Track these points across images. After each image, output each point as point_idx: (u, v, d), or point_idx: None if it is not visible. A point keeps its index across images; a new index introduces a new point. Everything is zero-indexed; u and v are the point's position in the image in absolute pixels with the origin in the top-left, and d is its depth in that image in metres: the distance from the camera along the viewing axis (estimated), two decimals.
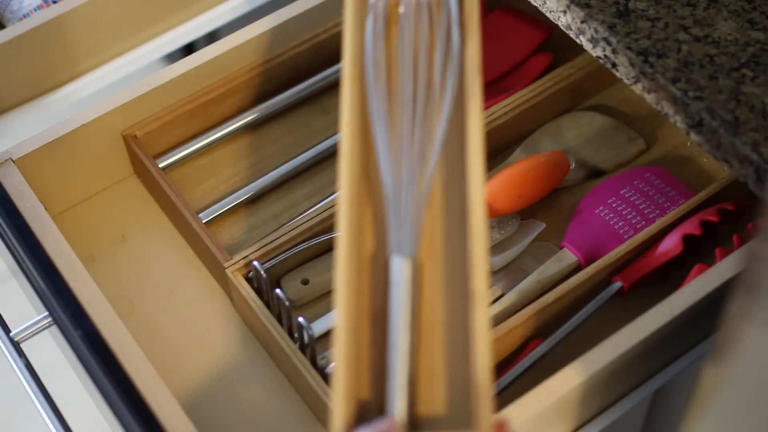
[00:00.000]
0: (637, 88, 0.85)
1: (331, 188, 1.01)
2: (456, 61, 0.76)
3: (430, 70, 0.77)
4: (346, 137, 0.74)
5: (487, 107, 1.03)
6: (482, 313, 0.68)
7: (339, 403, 0.66)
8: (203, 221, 0.99)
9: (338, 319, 0.68)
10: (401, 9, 0.79)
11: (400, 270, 0.69)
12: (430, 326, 0.71)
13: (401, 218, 0.71)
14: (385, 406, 0.67)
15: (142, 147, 1.01)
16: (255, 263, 0.91)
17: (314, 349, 0.88)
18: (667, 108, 0.84)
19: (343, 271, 0.69)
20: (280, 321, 0.90)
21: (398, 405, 0.67)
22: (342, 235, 0.71)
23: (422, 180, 0.73)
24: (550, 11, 0.90)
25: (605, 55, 0.87)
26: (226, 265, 0.92)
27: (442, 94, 0.76)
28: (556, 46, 1.08)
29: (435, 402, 0.69)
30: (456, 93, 0.76)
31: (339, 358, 0.67)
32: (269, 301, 0.91)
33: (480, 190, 0.72)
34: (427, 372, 0.70)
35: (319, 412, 0.88)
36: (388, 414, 0.67)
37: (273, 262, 0.93)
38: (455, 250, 0.73)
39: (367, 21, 0.78)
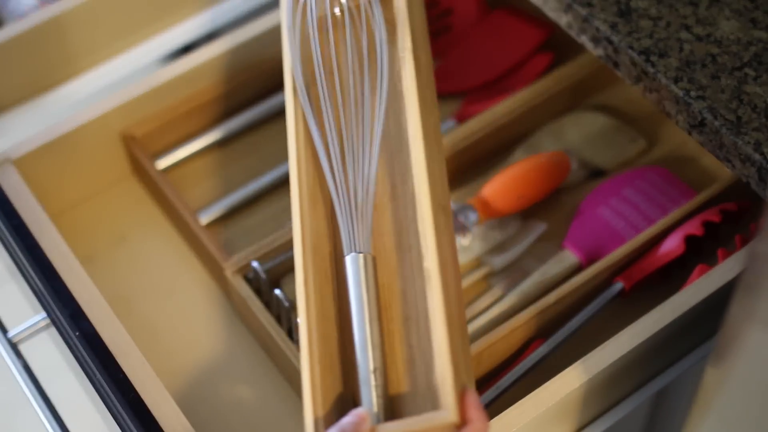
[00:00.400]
0: (639, 88, 0.85)
1: None
2: (386, 61, 0.78)
3: (362, 74, 0.80)
4: (293, 148, 0.78)
5: (487, 107, 1.03)
6: (436, 291, 0.70)
7: (308, 404, 0.68)
8: (202, 221, 0.98)
9: (302, 322, 0.71)
10: (336, 13, 0.82)
11: (354, 267, 0.73)
12: (407, 315, 0.74)
13: (351, 218, 0.74)
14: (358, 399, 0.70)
15: (141, 147, 1.01)
16: (254, 264, 0.91)
17: None
18: (669, 108, 0.83)
19: (302, 276, 0.73)
20: (279, 322, 0.90)
21: (365, 397, 0.69)
22: (298, 241, 0.74)
23: (366, 179, 0.76)
24: (552, 10, 0.90)
25: (607, 55, 0.86)
26: (225, 265, 0.92)
27: (375, 95, 0.78)
28: (557, 46, 1.08)
29: (407, 387, 0.72)
30: (388, 91, 0.79)
31: (305, 360, 0.70)
32: (269, 302, 0.91)
33: (424, 175, 0.74)
34: (398, 359, 0.72)
35: None
36: (359, 407, 0.69)
37: (272, 262, 0.93)
38: (409, 239, 0.75)
39: (304, 28, 0.81)
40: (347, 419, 0.67)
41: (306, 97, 0.78)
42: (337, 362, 0.72)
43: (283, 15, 0.82)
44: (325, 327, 0.72)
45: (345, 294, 0.74)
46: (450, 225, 0.77)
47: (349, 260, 0.73)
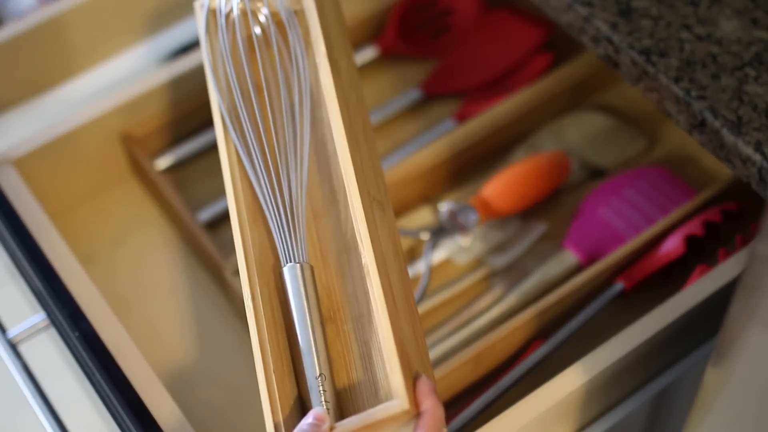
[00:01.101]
0: (640, 88, 0.85)
1: None
2: (303, 70, 0.81)
3: (288, 87, 0.82)
4: (227, 167, 0.79)
5: (487, 107, 1.03)
6: (375, 284, 0.71)
7: (267, 411, 0.70)
8: (202, 222, 0.98)
9: (253, 334, 0.73)
10: (255, 31, 0.83)
11: (292, 277, 0.74)
12: (359, 313, 0.75)
13: (284, 230, 0.76)
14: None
15: (141, 147, 1.00)
16: None
17: None
18: (670, 107, 0.83)
19: (248, 290, 0.74)
20: None
21: (314, 402, 0.71)
22: (241, 257, 0.75)
23: (297, 188, 0.77)
24: (552, 10, 0.90)
25: (607, 55, 0.86)
26: (224, 265, 0.92)
27: (301, 105, 0.80)
28: (557, 46, 1.08)
29: (367, 385, 0.73)
30: (311, 99, 0.81)
31: (260, 370, 0.72)
32: None
33: (351, 173, 0.75)
34: (356, 358, 0.74)
35: None
36: (316, 408, 0.70)
37: None
38: (349, 240, 0.77)
39: (219, 46, 0.83)
40: (306, 421, 0.68)
41: (228, 118, 0.80)
42: (291, 369, 0.74)
43: (201, 37, 0.84)
44: (277, 336, 0.74)
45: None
46: (389, 218, 0.79)
47: (286, 271, 0.74)
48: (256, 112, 0.80)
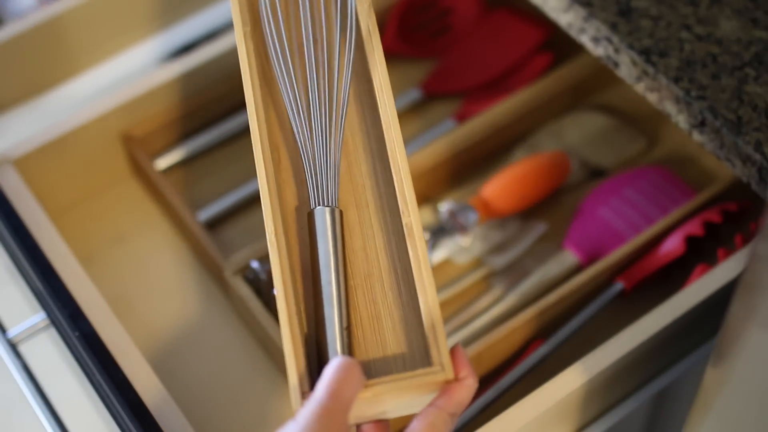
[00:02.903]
0: (639, 88, 0.85)
1: None
2: (352, 14, 0.77)
3: (328, 26, 0.78)
4: (250, 98, 0.75)
5: (487, 107, 1.03)
6: (420, 246, 0.69)
7: (290, 359, 0.66)
8: (202, 222, 0.98)
9: (276, 275, 0.69)
10: None
11: (323, 221, 0.71)
12: (368, 270, 0.72)
13: (318, 171, 0.73)
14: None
15: (141, 147, 1.00)
16: (254, 264, 0.91)
17: None
18: (670, 107, 0.83)
19: (271, 228, 0.70)
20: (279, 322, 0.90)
21: (333, 357, 0.67)
22: (264, 194, 0.72)
23: (334, 130, 0.74)
24: (552, 10, 0.90)
25: (607, 55, 0.86)
26: (224, 265, 0.92)
27: (343, 47, 0.77)
28: (557, 46, 1.08)
29: (385, 345, 0.70)
30: (354, 43, 0.77)
31: (283, 313, 0.68)
32: (268, 302, 0.91)
33: (396, 128, 0.73)
34: (362, 316, 0.71)
35: None
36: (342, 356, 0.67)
37: None
38: (382, 192, 0.74)
39: None
40: (334, 373, 0.63)
41: (273, 45, 0.77)
42: (310, 318, 0.71)
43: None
44: (296, 283, 0.71)
45: (309, 249, 0.72)
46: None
47: (316, 214, 0.71)
48: (305, 52, 0.77)
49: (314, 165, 0.73)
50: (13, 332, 0.87)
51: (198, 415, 0.88)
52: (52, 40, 1.06)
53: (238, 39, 0.77)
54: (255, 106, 0.76)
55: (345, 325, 0.69)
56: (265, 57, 0.79)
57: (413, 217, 0.70)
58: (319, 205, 0.72)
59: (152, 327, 0.94)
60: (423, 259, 0.69)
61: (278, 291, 0.69)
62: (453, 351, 0.67)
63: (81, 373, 0.84)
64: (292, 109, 0.75)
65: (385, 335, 0.71)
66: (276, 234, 0.70)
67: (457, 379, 0.66)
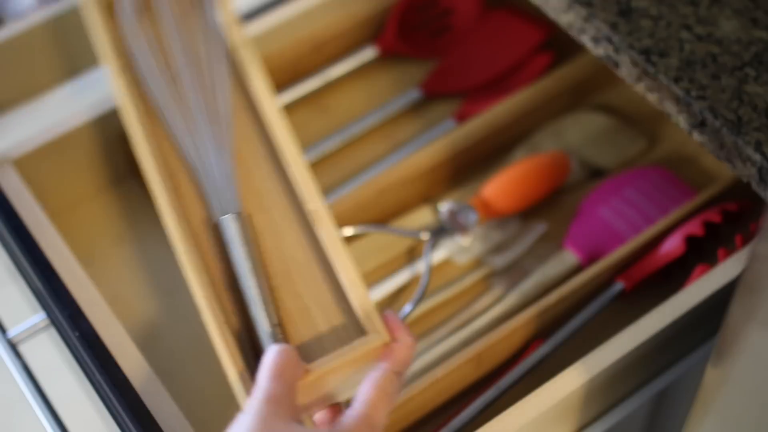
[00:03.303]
0: (639, 88, 0.85)
1: (329, 189, 1.01)
2: (217, 29, 0.80)
3: (195, 43, 0.82)
4: (134, 125, 0.79)
5: (487, 107, 1.02)
6: (328, 229, 0.72)
7: (227, 360, 0.69)
8: None
9: (194, 291, 0.72)
10: None
11: (229, 228, 0.73)
12: (286, 268, 0.74)
13: (215, 182, 0.75)
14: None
15: None
16: None
17: None
18: (670, 107, 0.83)
19: (180, 245, 0.74)
20: None
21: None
22: (167, 214, 0.75)
23: (224, 142, 0.77)
24: (552, 10, 0.90)
25: (607, 55, 0.86)
26: None
27: (215, 60, 0.80)
28: (557, 46, 1.08)
29: (306, 335, 0.72)
30: (226, 55, 0.80)
31: (210, 325, 0.71)
32: None
33: (280, 125, 0.75)
34: (292, 312, 0.73)
35: None
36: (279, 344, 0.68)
37: None
38: (284, 190, 0.76)
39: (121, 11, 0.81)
40: (272, 359, 0.65)
41: (149, 72, 0.79)
42: (236, 327, 0.73)
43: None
44: (219, 292, 0.73)
45: (227, 259, 0.75)
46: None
47: (221, 223, 0.73)
48: (176, 75, 0.80)
49: (212, 179, 0.76)
50: (13, 332, 0.87)
51: (198, 414, 0.88)
52: (52, 40, 1.06)
53: (112, 75, 0.80)
54: (141, 136, 0.79)
55: (275, 322, 0.71)
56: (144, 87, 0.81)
57: (316, 203, 0.73)
58: (223, 215, 0.74)
59: (152, 327, 0.94)
60: (335, 239, 0.71)
61: (201, 306, 0.72)
62: (385, 318, 0.70)
63: (81, 373, 0.84)
64: (179, 131, 0.78)
65: (318, 324, 0.73)
66: (187, 254, 0.74)
67: (394, 340, 0.68)
